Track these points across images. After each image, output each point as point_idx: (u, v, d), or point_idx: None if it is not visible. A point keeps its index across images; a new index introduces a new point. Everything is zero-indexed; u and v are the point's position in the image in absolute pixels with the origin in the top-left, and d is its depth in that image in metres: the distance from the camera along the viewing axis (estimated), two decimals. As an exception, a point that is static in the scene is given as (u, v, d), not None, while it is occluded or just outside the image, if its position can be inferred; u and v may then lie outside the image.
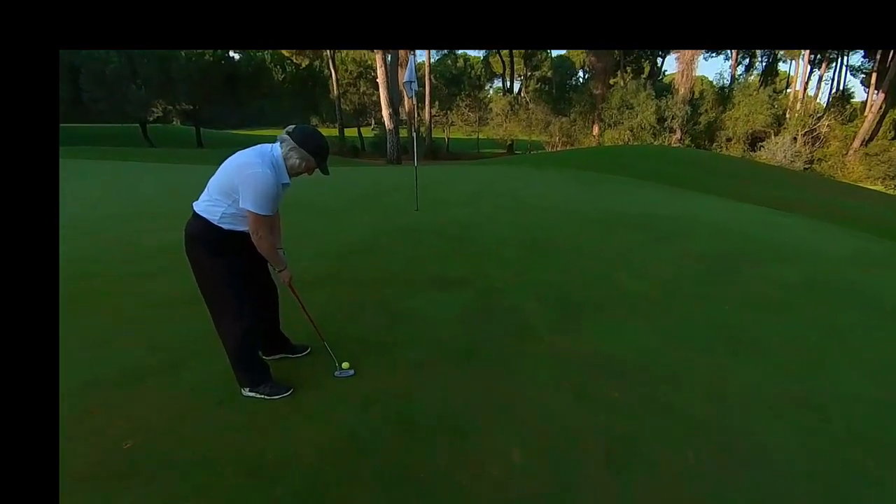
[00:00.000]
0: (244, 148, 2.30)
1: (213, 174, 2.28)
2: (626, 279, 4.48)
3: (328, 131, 42.15)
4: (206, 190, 2.28)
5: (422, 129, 37.52)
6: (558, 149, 35.80)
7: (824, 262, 5.20)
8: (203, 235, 2.25)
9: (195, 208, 2.28)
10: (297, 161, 2.28)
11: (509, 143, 42.78)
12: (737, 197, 10.53)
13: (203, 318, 2.49)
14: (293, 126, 2.31)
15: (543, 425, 2.34)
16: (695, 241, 5.96)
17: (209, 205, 2.24)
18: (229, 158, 2.25)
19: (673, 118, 33.40)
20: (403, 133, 31.71)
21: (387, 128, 27.37)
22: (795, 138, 31.22)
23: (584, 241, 5.95)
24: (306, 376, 2.72)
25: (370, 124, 50.57)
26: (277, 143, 2.28)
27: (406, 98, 29.56)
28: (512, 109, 40.49)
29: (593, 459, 2.11)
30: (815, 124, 31.85)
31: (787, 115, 34.19)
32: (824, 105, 37.10)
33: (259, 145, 2.30)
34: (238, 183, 2.16)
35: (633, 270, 4.74)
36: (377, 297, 3.95)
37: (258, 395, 2.50)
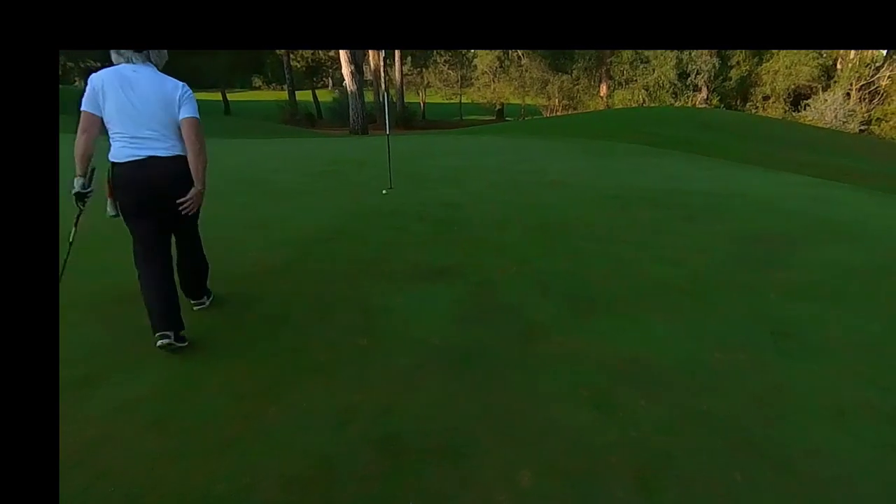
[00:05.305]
0: None
1: None
2: (649, 266, 4.53)
3: (276, 94, 41.48)
4: (147, 138, 2.72)
5: (392, 91, 37.23)
6: (558, 113, 36.00)
7: (888, 241, 5.35)
8: (188, 172, 2.84)
9: (165, 153, 2.76)
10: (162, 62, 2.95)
11: (498, 107, 42.85)
12: (778, 166, 10.73)
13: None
14: (133, 51, 2.74)
15: (558, 442, 2.34)
16: (730, 220, 6.06)
17: (172, 145, 2.80)
18: (128, 100, 2.66)
19: (698, 73, 33.66)
20: (369, 97, 31.40)
21: (348, 90, 27.04)
22: (849, 94, 31.38)
23: (597, 222, 5.99)
24: (263, 386, 2.67)
25: (327, 85, 50.02)
26: (146, 64, 2.79)
27: (371, 53, 29.27)
28: (501, 66, 40.46)
29: (620, 482, 2.12)
30: (873, 76, 31.77)
31: (839, 66, 33.90)
32: (884, 52, 35.22)
33: (140, 68, 2.75)
34: (178, 108, 2.77)
35: (656, 256, 4.79)
36: (348, 291, 3.91)
37: (206, 303, 3.42)
